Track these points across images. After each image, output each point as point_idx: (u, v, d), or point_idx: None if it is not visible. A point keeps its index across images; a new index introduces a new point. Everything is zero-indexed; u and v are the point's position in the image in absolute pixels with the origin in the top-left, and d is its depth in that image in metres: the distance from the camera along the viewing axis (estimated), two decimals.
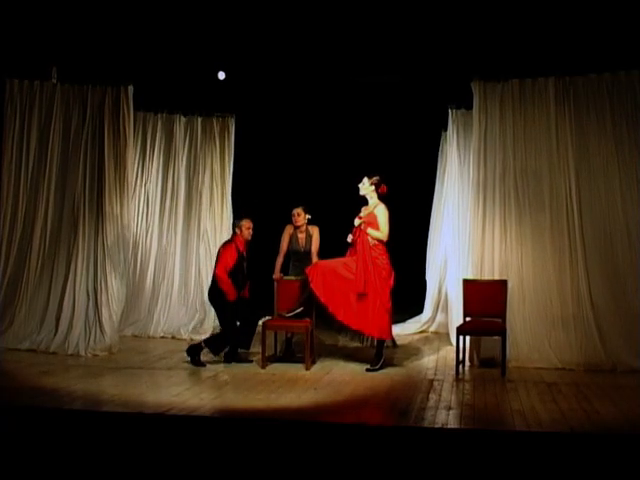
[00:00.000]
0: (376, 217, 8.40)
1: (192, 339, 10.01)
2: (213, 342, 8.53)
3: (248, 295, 8.77)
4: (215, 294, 8.62)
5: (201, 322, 10.61)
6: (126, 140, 9.35)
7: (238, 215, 9.26)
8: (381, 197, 8.52)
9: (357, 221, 8.47)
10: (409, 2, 8.77)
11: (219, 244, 10.93)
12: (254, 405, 6.80)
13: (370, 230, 8.36)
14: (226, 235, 11.06)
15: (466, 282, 8.65)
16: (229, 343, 8.50)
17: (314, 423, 6.30)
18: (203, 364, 8.45)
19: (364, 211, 8.56)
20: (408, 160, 12.36)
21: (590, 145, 8.65)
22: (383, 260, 8.35)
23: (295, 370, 8.31)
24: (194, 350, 8.55)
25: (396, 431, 6.17)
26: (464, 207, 9.92)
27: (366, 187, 8.48)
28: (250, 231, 8.79)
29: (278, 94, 11.23)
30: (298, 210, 9.21)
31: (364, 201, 8.59)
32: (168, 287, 10.77)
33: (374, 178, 8.48)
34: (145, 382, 7.64)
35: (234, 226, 8.92)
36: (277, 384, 7.65)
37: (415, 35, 9.18)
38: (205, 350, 8.52)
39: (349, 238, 8.48)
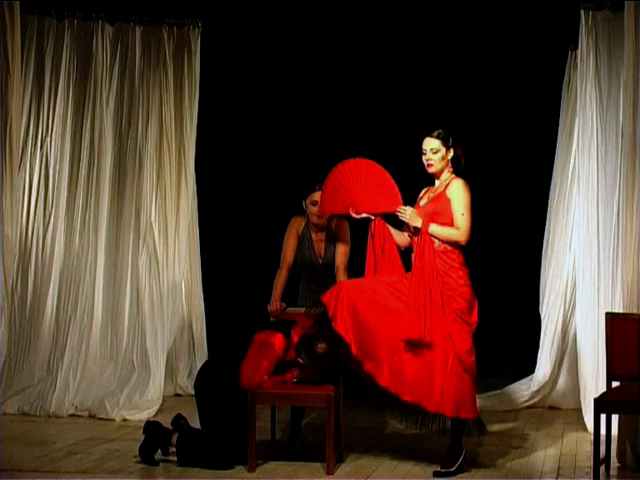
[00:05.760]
0: (449, 202, 8.37)
1: (126, 419, 10.07)
2: (185, 447, 8.55)
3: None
4: (220, 380, 8.62)
5: (142, 389, 10.68)
6: (8, 66, 9.42)
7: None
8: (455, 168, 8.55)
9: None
10: None
11: (174, 249, 11.03)
12: None
13: (435, 227, 8.32)
14: (184, 235, 11.06)
15: (613, 319, 8.60)
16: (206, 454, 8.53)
17: None
18: (156, 462, 8.50)
19: (426, 196, 8.56)
20: (507, 103, 12.42)
21: None
22: (460, 279, 8.33)
23: (308, 473, 8.35)
24: (158, 433, 8.60)
25: None
26: (609, 185, 9.93)
27: (440, 153, 8.41)
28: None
29: None
30: (320, 195, 9.02)
31: (429, 178, 8.62)
32: (83, 327, 10.80)
33: (440, 134, 8.42)
34: None
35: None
36: None
37: None
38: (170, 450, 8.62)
39: None
